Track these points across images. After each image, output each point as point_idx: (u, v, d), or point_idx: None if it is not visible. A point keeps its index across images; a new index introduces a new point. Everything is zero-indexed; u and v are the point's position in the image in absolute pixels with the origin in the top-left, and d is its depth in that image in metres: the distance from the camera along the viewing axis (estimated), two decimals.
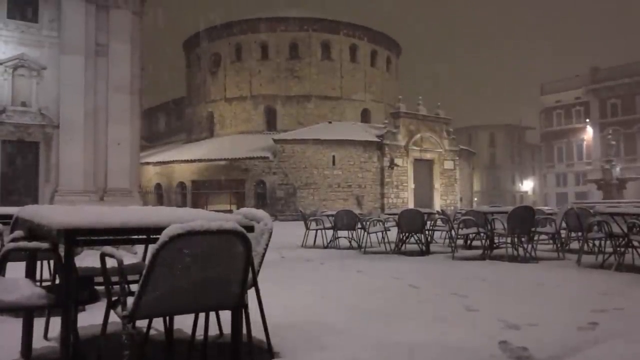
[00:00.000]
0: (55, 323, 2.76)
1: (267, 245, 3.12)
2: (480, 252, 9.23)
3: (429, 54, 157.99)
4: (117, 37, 24.46)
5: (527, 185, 72.84)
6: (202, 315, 3.06)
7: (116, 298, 2.44)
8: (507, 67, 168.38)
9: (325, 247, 11.12)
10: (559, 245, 9.14)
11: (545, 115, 60.09)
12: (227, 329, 2.95)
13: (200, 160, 32.26)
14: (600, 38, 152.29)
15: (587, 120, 54.03)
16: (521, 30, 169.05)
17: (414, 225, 9.72)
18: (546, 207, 21.19)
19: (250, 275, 2.59)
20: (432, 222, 11.24)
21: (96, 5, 24.15)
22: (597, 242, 8.45)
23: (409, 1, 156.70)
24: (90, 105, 23.65)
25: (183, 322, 3.32)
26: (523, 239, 8.59)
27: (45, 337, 3.35)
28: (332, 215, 11.62)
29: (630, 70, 51.06)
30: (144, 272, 2.22)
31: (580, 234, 8.96)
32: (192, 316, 3.04)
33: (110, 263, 2.58)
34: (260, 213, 3.24)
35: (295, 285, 6.06)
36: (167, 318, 2.99)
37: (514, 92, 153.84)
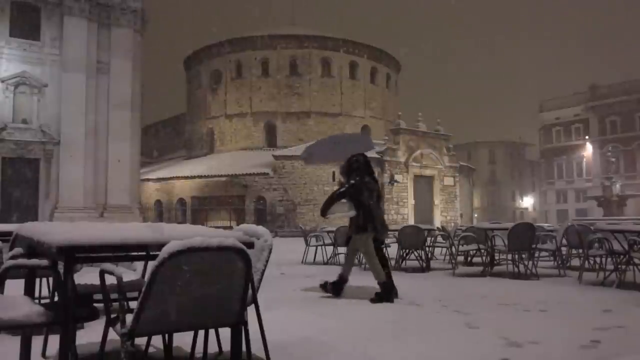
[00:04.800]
0: (54, 341, 2.74)
1: (267, 261, 3.12)
2: (480, 268, 9.20)
3: (428, 71, 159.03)
4: (119, 54, 24.65)
5: (527, 202, 72.77)
6: (201, 333, 3.05)
7: (115, 315, 2.43)
8: (507, 84, 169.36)
9: (326, 264, 11.07)
10: (559, 262, 9.11)
11: (544, 132, 60.26)
12: (226, 347, 2.93)
13: (200, 177, 32.29)
14: (599, 56, 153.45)
15: (587, 137, 54.18)
16: (520, 47, 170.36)
17: (414, 241, 9.69)
18: (546, 224, 21.14)
19: (250, 292, 2.58)
20: (433, 238, 11.21)
21: (98, 24, 24.38)
22: (598, 260, 8.42)
23: (408, 18, 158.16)
24: (91, 122, 23.75)
25: (182, 340, 3.30)
26: (524, 256, 8.56)
27: (44, 355, 3.33)
28: (332, 232, 11.58)
29: (629, 88, 51.35)
30: (144, 289, 2.21)
31: (581, 251, 8.94)
32: (191, 333, 3.02)
33: (110, 280, 2.58)
34: (260, 229, 3.24)
35: (295, 303, 6.02)
36: (167, 335, 2.98)
37: (513, 109, 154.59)
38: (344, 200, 6.58)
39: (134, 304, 2.35)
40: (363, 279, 8.42)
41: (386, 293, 6.14)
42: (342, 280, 6.45)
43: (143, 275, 3.49)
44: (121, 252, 2.57)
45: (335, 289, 6.39)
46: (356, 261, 10.87)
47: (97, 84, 24.12)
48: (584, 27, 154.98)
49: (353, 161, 6.59)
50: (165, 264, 2.18)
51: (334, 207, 6.68)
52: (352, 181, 6.43)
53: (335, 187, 7.51)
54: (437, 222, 30.80)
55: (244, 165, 31.89)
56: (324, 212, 6.77)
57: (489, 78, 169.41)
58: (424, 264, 9.72)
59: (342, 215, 6.80)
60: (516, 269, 8.38)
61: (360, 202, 6.37)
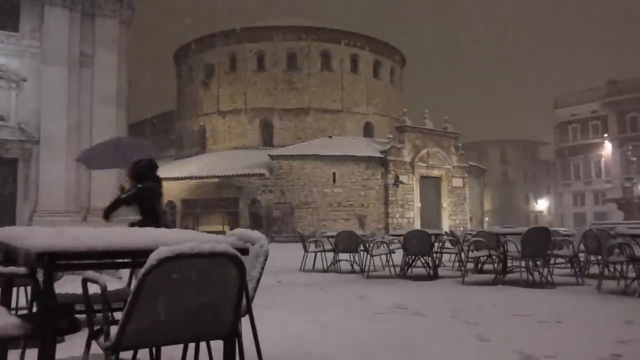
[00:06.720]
0: (32, 355, 2.73)
1: (262, 269, 3.11)
2: (492, 276, 9.20)
3: (435, 65, 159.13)
4: (103, 47, 24.62)
5: (542, 205, 72.87)
6: (191, 346, 3.03)
7: (98, 327, 2.42)
8: (519, 79, 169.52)
9: (325, 271, 11.08)
10: (577, 269, 9.11)
11: (560, 130, 60.36)
12: None
13: (190, 178, 32.30)
14: (617, 49, 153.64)
15: (605, 135, 54.24)
16: (533, 41, 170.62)
17: (420, 247, 9.69)
18: (563, 228, 21.17)
19: (244, 301, 2.57)
20: (440, 244, 11.22)
21: (81, 14, 24.36)
22: (618, 267, 8.42)
23: (413, 10, 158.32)
24: (73, 119, 23.71)
25: (171, 353, 3.28)
26: (538, 263, 8.56)
27: None
28: (332, 237, 11.59)
29: None
30: (130, 298, 2.20)
31: (600, 257, 8.93)
32: (180, 346, 3.01)
33: (93, 289, 2.56)
34: (256, 234, 3.23)
35: (292, 313, 6.02)
36: (154, 349, 2.96)
37: (526, 106, 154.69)
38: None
39: (119, 315, 2.33)
40: (366, 288, 8.43)
41: None
42: None
43: (129, 284, 3.48)
44: (106, 258, 2.55)
45: None
46: (357, 268, 10.91)
47: (80, 78, 24.07)
48: (600, 20, 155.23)
49: (141, 166, 6.89)
50: (153, 272, 2.16)
51: (119, 211, 6.99)
52: (140, 185, 6.73)
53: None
54: (445, 226, 30.85)
55: (238, 166, 31.90)
56: (108, 215, 7.06)
57: (500, 72, 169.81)
58: (431, 272, 9.72)
59: (127, 220, 7.16)
60: (530, 277, 8.38)
61: (148, 206, 6.77)
